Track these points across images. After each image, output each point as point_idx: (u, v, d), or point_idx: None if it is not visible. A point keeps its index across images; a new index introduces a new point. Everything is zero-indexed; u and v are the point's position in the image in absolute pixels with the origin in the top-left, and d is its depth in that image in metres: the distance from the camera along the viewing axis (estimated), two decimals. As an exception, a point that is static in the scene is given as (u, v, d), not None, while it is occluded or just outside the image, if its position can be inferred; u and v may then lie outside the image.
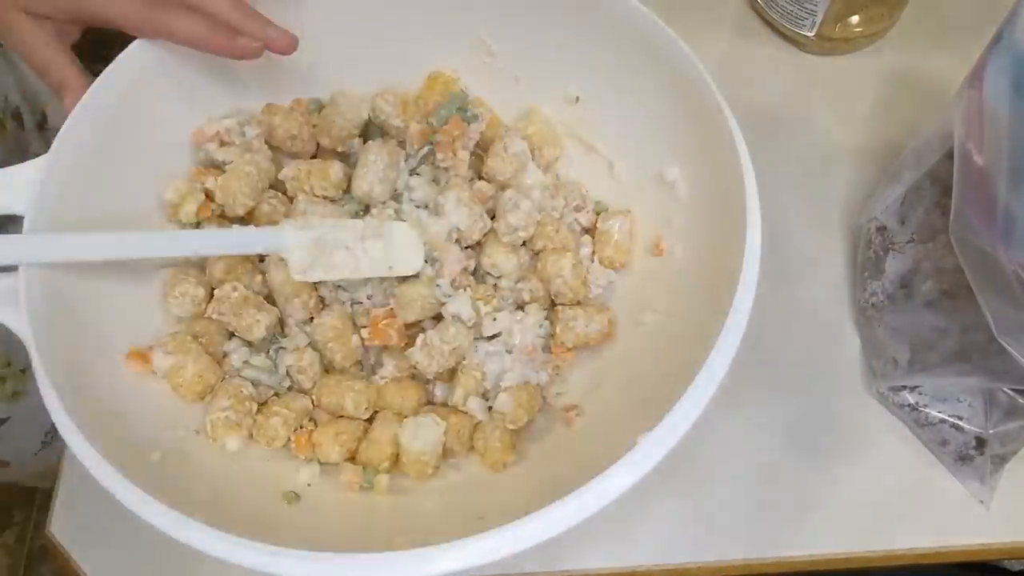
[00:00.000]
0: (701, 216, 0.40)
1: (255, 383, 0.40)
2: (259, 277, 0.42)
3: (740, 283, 0.32)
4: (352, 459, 0.40)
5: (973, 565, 0.53)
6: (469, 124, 0.43)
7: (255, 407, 0.39)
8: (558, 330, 0.42)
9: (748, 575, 0.42)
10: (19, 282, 0.33)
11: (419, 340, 0.40)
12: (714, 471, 0.44)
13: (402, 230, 0.41)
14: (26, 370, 0.59)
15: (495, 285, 0.43)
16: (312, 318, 0.42)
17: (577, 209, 0.45)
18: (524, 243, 0.44)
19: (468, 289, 0.42)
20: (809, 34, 0.55)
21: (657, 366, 0.38)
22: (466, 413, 0.40)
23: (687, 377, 0.31)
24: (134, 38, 0.38)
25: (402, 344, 0.41)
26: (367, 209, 0.44)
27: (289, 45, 0.39)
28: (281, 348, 0.41)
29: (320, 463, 0.39)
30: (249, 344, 0.41)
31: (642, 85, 0.41)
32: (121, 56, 0.38)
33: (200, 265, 0.42)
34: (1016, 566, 0.54)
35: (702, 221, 0.40)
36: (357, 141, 0.45)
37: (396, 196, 0.44)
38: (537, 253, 0.44)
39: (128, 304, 0.40)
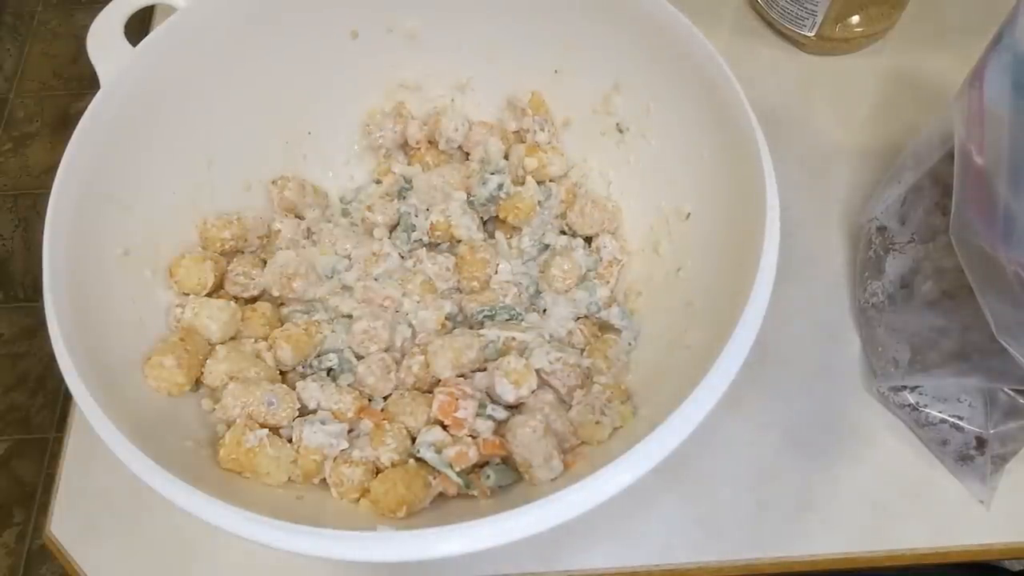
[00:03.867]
0: (716, 236, 0.41)
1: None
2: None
3: (751, 297, 0.32)
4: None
5: (973, 565, 0.53)
6: None
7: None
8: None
9: (748, 575, 0.42)
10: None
11: None
12: (714, 471, 0.44)
13: None
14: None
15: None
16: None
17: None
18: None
19: None
20: (809, 34, 0.55)
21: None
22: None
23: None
24: None
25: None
26: None
27: None
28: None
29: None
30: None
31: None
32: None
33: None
34: (1016, 566, 0.54)
35: (716, 240, 0.41)
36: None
37: None
38: None
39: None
